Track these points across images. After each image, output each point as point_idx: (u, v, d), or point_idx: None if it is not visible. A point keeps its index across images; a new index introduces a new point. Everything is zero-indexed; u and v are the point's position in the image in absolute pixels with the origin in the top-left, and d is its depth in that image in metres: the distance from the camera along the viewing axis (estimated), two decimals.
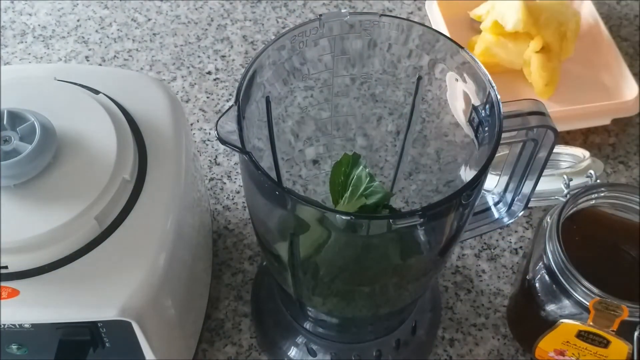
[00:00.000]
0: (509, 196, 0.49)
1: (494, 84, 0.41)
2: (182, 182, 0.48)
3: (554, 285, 0.49)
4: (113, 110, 0.49)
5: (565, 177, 0.54)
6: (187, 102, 0.73)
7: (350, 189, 0.45)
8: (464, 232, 0.47)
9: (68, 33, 0.79)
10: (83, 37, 0.79)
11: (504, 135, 0.40)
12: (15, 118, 0.44)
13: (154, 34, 0.79)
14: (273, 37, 0.58)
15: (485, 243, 0.63)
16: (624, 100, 0.70)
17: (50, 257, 0.43)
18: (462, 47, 0.43)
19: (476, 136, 0.43)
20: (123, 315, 0.42)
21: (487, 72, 0.42)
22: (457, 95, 0.45)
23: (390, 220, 0.36)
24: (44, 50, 0.77)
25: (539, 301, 0.51)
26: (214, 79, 0.75)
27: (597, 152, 0.70)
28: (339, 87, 0.49)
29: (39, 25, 0.80)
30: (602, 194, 0.52)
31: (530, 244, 0.56)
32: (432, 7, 0.77)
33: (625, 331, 0.47)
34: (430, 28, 0.44)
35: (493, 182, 0.49)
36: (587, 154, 0.65)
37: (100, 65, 0.76)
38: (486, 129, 0.42)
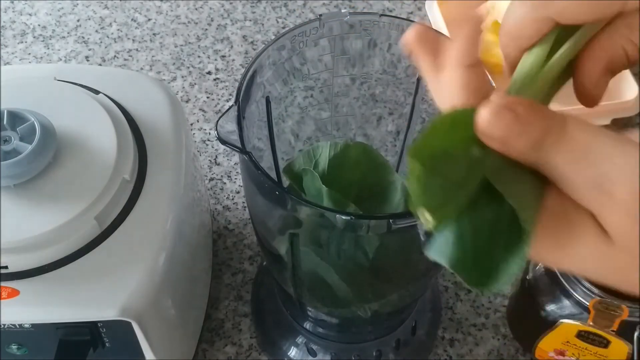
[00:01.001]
0: None
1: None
2: (182, 182, 0.48)
3: (553, 285, 0.49)
4: (113, 110, 0.48)
5: None
6: (187, 102, 0.73)
7: None
8: None
9: (68, 33, 0.79)
10: (83, 37, 0.79)
11: None
12: (15, 118, 0.44)
13: (154, 34, 0.79)
14: (273, 37, 0.58)
15: None
16: (624, 100, 0.70)
17: (50, 257, 0.43)
18: None
19: None
20: (123, 315, 0.42)
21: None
22: None
23: (390, 220, 0.36)
24: (44, 50, 0.77)
25: (539, 301, 0.51)
26: (214, 79, 0.75)
27: None
28: (339, 87, 0.49)
29: (39, 25, 0.80)
30: None
31: None
32: (433, 7, 0.77)
33: (625, 331, 0.47)
34: (430, 28, 0.44)
35: None
36: None
37: (100, 65, 0.76)
38: None
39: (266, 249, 0.47)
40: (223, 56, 0.77)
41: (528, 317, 0.54)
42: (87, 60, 0.77)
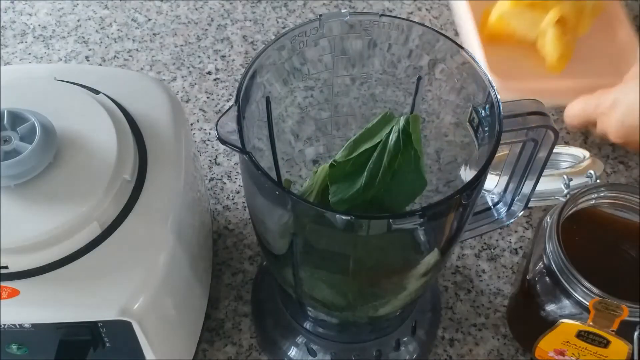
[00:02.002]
0: (509, 196, 0.49)
1: (493, 84, 0.41)
2: (182, 182, 0.48)
3: (553, 285, 0.49)
4: (113, 111, 0.49)
5: (565, 177, 0.54)
6: (187, 102, 0.73)
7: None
8: (464, 232, 0.47)
9: (68, 33, 0.79)
10: (83, 37, 0.79)
11: (504, 135, 0.40)
12: (16, 118, 0.44)
13: (154, 34, 0.79)
14: (273, 37, 0.58)
15: (485, 243, 0.63)
16: None
17: (50, 257, 0.43)
18: (462, 47, 0.43)
19: (476, 136, 0.43)
20: (123, 315, 0.42)
21: (487, 72, 0.42)
22: None
23: (390, 220, 0.36)
24: (44, 50, 0.77)
25: (539, 301, 0.51)
26: (214, 79, 0.75)
27: (597, 152, 0.70)
28: (339, 87, 0.49)
29: (39, 25, 0.80)
30: (602, 194, 0.52)
31: (530, 244, 0.56)
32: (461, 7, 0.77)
33: (625, 331, 0.47)
34: (430, 28, 0.44)
35: (493, 182, 0.49)
36: (587, 154, 0.65)
37: (100, 65, 0.76)
38: (486, 129, 0.42)
39: (266, 249, 0.47)
40: (223, 56, 0.77)
41: (528, 317, 0.54)
42: (87, 60, 0.77)
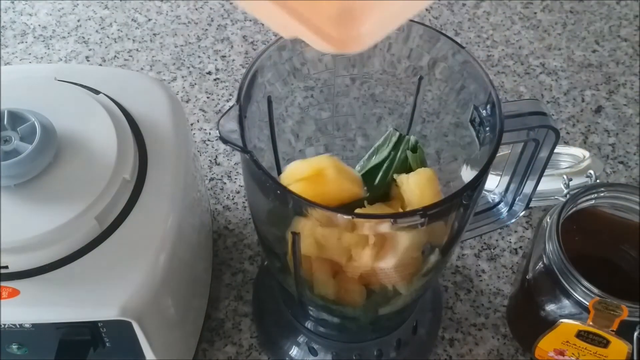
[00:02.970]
0: (510, 196, 0.49)
1: (495, 84, 0.41)
2: (182, 182, 0.48)
3: (553, 285, 0.49)
4: (113, 111, 0.48)
5: (565, 177, 0.54)
6: (187, 102, 0.73)
7: None
8: (465, 232, 0.47)
9: (68, 33, 0.79)
10: (83, 37, 0.79)
11: (505, 135, 0.40)
12: (16, 118, 0.44)
13: (154, 34, 0.79)
14: (273, 37, 0.58)
15: (485, 243, 0.63)
16: None
17: (50, 257, 0.43)
18: (462, 47, 0.43)
19: (477, 136, 0.43)
20: (123, 315, 0.42)
21: (488, 72, 0.42)
22: None
23: (391, 220, 0.36)
24: (44, 50, 0.77)
25: (539, 301, 0.51)
26: (214, 79, 0.75)
27: (597, 152, 0.70)
28: (339, 87, 0.49)
29: (39, 25, 0.80)
30: (602, 194, 0.52)
31: (530, 243, 0.56)
32: None
33: (625, 331, 0.47)
34: (431, 27, 0.44)
35: (494, 182, 0.49)
36: (587, 154, 0.65)
37: (100, 65, 0.76)
38: (487, 129, 0.42)
39: (267, 248, 0.47)
40: (223, 56, 0.77)
41: (528, 317, 0.54)
42: (88, 61, 0.77)
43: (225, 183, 0.67)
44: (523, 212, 0.49)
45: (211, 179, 0.67)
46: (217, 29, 0.80)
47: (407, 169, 0.46)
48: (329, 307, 0.47)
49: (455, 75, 0.45)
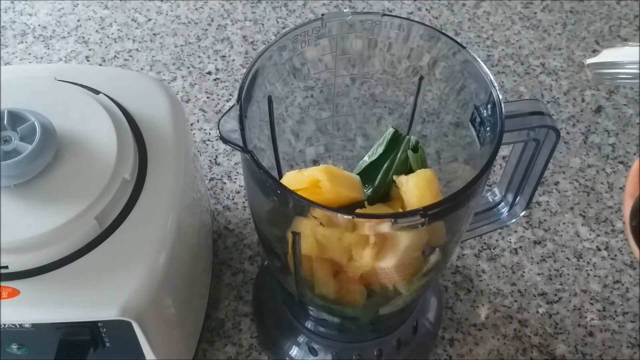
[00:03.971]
0: (510, 196, 0.48)
1: (495, 84, 0.41)
2: (182, 182, 0.48)
3: None
4: (113, 111, 0.48)
5: None
6: (187, 102, 0.73)
7: None
8: (465, 232, 0.47)
9: (68, 33, 0.79)
10: (83, 37, 0.79)
11: (505, 135, 0.40)
12: (16, 118, 0.44)
13: (154, 34, 0.79)
14: (273, 37, 0.58)
15: (485, 243, 0.63)
16: None
17: (50, 257, 0.43)
18: (463, 47, 0.43)
19: (478, 136, 0.43)
20: (123, 315, 0.42)
21: (488, 72, 0.42)
22: None
23: (392, 220, 0.36)
24: (44, 50, 0.77)
25: None
26: (214, 79, 0.75)
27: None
28: (340, 87, 0.49)
29: (39, 25, 0.80)
30: None
31: None
32: None
33: None
34: (431, 27, 0.44)
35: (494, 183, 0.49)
36: None
37: (100, 65, 0.76)
38: (488, 128, 0.42)
39: (268, 248, 0.47)
40: (223, 56, 0.77)
41: None
42: (88, 61, 0.77)
43: (225, 183, 0.67)
44: (523, 212, 0.49)
45: (211, 179, 0.67)
46: (217, 29, 0.80)
47: (408, 169, 0.46)
48: (329, 307, 0.47)
49: (456, 75, 0.45)
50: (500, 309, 0.59)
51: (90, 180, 0.44)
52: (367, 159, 0.48)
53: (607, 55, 0.46)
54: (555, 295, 0.60)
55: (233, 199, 0.66)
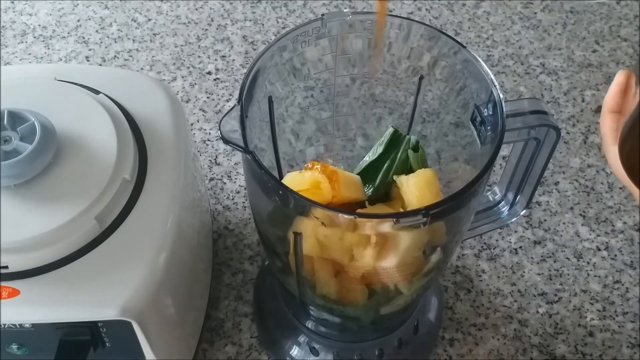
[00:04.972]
0: (510, 195, 0.48)
1: (496, 83, 0.41)
2: (182, 182, 0.48)
3: None
4: (113, 111, 0.48)
5: None
6: (187, 102, 0.73)
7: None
8: (466, 231, 0.46)
9: (68, 33, 0.79)
10: (83, 37, 0.79)
11: (506, 134, 0.40)
12: (16, 118, 0.44)
13: (154, 34, 0.79)
14: (273, 37, 0.58)
15: (485, 243, 0.63)
16: None
17: (50, 257, 0.43)
18: (463, 46, 0.43)
19: (479, 135, 0.43)
20: (123, 315, 0.42)
21: (489, 71, 0.42)
22: None
23: (394, 220, 0.36)
24: (44, 50, 0.77)
25: None
26: (214, 79, 0.75)
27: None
28: (340, 87, 0.49)
29: (39, 25, 0.80)
30: None
31: None
32: None
33: None
34: (431, 27, 0.44)
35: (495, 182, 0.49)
36: None
37: (100, 65, 0.76)
38: (488, 128, 0.42)
39: (269, 248, 0.47)
40: (223, 56, 0.77)
41: None
42: (88, 61, 0.77)
43: (225, 183, 0.67)
44: (524, 211, 0.49)
45: (211, 179, 0.67)
46: (217, 29, 0.80)
47: (408, 169, 0.46)
48: (330, 307, 0.47)
49: (456, 75, 0.45)
50: (500, 309, 0.59)
51: (90, 180, 0.44)
52: (367, 159, 0.48)
53: None
54: (555, 295, 0.60)
55: (233, 199, 0.66)
